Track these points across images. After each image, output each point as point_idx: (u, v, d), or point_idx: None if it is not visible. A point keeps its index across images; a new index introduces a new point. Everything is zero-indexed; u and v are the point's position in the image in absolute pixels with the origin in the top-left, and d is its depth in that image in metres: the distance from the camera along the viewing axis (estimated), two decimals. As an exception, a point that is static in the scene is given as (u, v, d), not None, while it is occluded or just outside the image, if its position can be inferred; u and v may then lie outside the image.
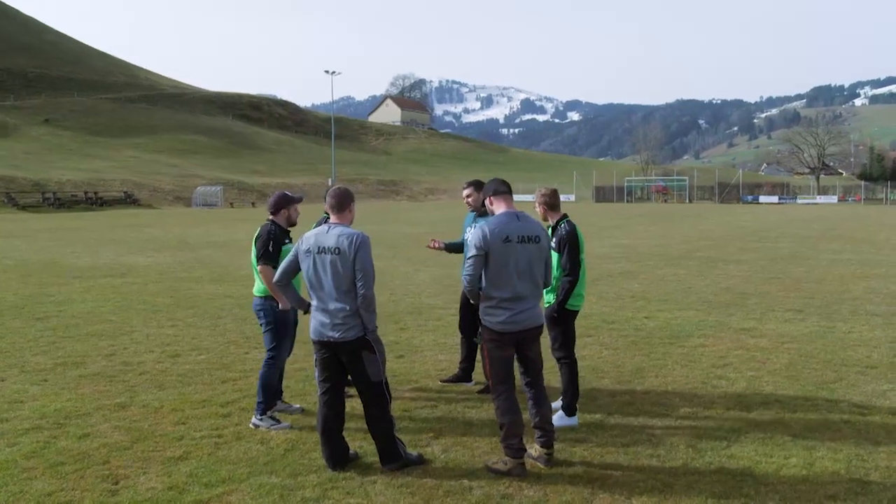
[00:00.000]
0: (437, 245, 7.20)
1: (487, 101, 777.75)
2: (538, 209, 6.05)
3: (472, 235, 5.05)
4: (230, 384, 7.29)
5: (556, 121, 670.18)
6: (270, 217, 6.29)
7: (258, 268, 6.06)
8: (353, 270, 4.92)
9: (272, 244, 6.03)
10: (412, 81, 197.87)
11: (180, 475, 4.98)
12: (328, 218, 6.82)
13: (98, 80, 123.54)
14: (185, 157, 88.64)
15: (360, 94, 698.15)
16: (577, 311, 6.03)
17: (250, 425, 5.94)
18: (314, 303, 5.07)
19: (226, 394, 6.95)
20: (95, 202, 58.59)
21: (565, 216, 5.92)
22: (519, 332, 5.00)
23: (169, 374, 7.68)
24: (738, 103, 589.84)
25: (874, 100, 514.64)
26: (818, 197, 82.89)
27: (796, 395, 6.78)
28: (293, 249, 5.25)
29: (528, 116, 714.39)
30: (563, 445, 5.39)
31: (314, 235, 5.07)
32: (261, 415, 5.95)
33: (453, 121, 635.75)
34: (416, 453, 5.21)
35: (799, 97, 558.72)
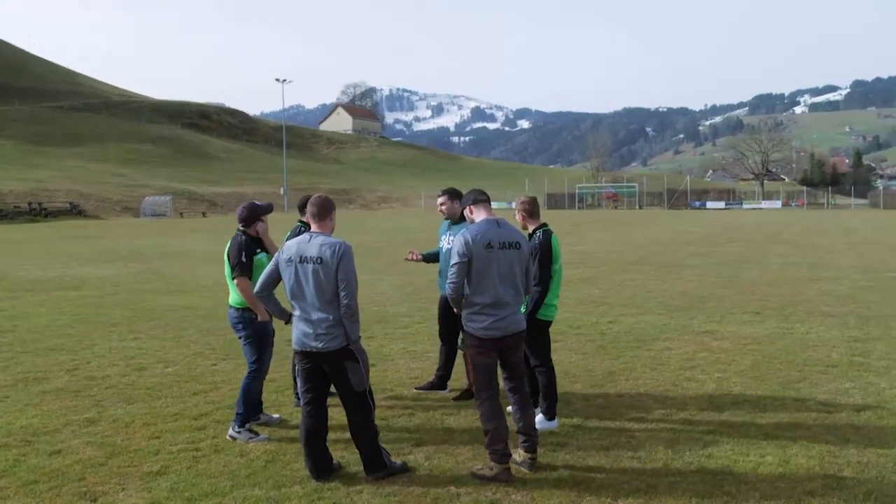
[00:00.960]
0: (415, 257, 7.24)
1: (438, 110, 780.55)
2: (517, 217, 6.10)
3: (455, 243, 5.07)
4: (201, 396, 7.17)
5: (507, 129, 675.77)
6: (241, 228, 6.19)
7: (234, 280, 5.97)
8: (336, 280, 4.89)
9: (244, 255, 5.96)
10: (363, 90, 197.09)
11: (161, 490, 4.88)
12: (302, 226, 6.82)
13: (40, 88, 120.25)
14: (133, 167, 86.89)
15: (310, 103, 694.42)
16: (550, 322, 6.09)
17: (228, 437, 5.85)
18: (296, 313, 5.03)
19: (198, 406, 6.83)
20: (40, 213, 57.04)
21: (544, 225, 5.98)
22: (502, 337, 5.04)
23: (137, 388, 7.51)
24: (684, 111, 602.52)
25: (813, 108, 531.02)
26: (763, 202, 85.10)
27: (764, 395, 6.95)
28: (274, 259, 5.19)
29: (478, 124, 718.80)
30: (546, 449, 5.44)
31: (296, 244, 5.03)
32: (239, 427, 5.86)
33: (404, 129, 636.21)
34: (400, 461, 5.20)
35: (742, 105, 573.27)
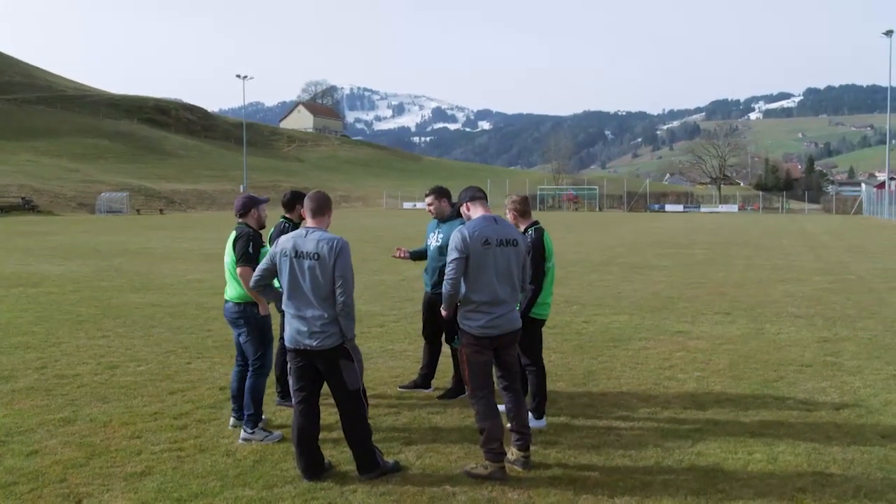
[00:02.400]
0: (402, 254, 7.19)
1: (399, 109, 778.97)
2: (508, 216, 6.07)
3: (452, 239, 5.01)
4: (179, 395, 7.00)
5: (468, 129, 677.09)
6: (240, 220, 6.04)
7: (238, 270, 5.76)
8: (333, 276, 4.81)
9: (251, 246, 5.80)
10: (324, 87, 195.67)
11: (147, 491, 4.74)
12: (286, 222, 6.70)
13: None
14: (88, 162, 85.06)
15: (270, 100, 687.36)
16: (543, 321, 6.08)
17: (240, 441, 5.66)
18: (290, 310, 4.92)
19: (177, 406, 6.67)
20: (-9, 208, 55.46)
21: (535, 223, 5.96)
22: (498, 336, 5.01)
23: (110, 387, 7.31)
24: (642, 115, 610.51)
25: (767, 114, 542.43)
26: (720, 206, 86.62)
27: (745, 394, 7.03)
28: (269, 253, 5.08)
29: (439, 125, 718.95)
30: (537, 448, 5.41)
31: (292, 239, 4.93)
32: (252, 428, 5.69)
33: (365, 128, 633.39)
34: (393, 461, 5.14)
35: (699, 110, 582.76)
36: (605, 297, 13.75)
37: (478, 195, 5.26)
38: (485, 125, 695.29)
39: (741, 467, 5.17)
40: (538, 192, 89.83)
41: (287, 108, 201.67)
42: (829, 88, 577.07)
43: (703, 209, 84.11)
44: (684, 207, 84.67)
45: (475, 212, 5.20)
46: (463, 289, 4.99)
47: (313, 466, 4.93)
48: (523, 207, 5.89)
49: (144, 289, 14.77)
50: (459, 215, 6.75)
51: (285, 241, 4.97)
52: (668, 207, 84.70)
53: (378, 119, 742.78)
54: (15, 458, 5.33)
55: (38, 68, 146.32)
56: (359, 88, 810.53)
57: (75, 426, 6.08)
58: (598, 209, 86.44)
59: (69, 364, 8.29)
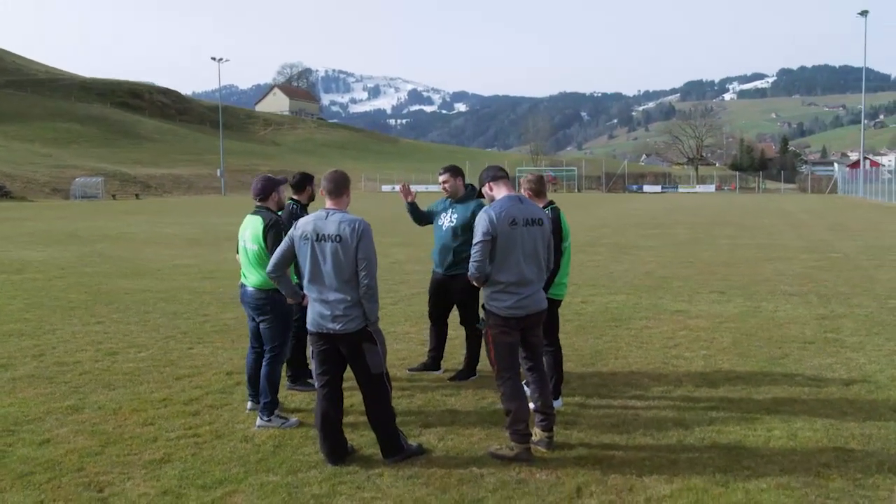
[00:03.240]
0: (410, 196, 6.87)
1: (375, 92, 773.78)
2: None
3: (479, 222, 4.95)
4: (186, 381, 6.90)
5: (444, 112, 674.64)
6: (260, 204, 5.88)
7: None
8: (356, 259, 4.72)
9: (284, 233, 5.65)
10: (300, 70, 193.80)
11: (169, 479, 4.66)
12: (294, 204, 6.60)
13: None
14: (61, 147, 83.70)
15: (244, 83, 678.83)
16: (560, 301, 6.05)
17: (256, 427, 5.57)
18: (313, 294, 4.83)
19: (185, 391, 6.57)
20: (-38, 194, 54.42)
21: (551, 203, 5.91)
22: (525, 316, 4.97)
23: (114, 374, 7.19)
24: (618, 96, 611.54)
25: (742, 94, 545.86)
26: (697, 186, 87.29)
27: (754, 372, 7.07)
28: (287, 236, 4.98)
29: (415, 107, 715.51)
30: (558, 428, 5.37)
31: (312, 221, 4.83)
32: (268, 416, 5.59)
33: (340, 111, 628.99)
34: (416, 444, 5.09)
35: (674, 91, 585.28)
36: (598, 277, 13.77)
37: (500, 175, 5.20)
38: (461, 107, 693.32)
39: (762, 444, 5.18)
40: (517, 174, 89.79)
41: (262, 91, 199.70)
42: (802, 69, 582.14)
43: (680, 189, 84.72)
44: (662, 188, 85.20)
45: (499, 192, 5.14)
46: (494, 270, 4.93)
47: (337, 451, 4.87)
48: (539, 187, 5.83)
49: (133, 274, 14.55)
50: (474, 195, 6.70)
51: (305, 223, 4.87)
52: (647, 188, 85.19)
53: (354, 101, 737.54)
54: (27, 448, 5.21)
55: (6, 51, 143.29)
56: (334, 71, 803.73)
57: (84, 414, 5.96)
58: (576, 190, 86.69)
59: (67, 351, 8.14)
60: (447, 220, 6.78)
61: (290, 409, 6.09)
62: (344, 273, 4.73)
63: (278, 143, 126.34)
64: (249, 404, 6.01)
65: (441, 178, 6.80)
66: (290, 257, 4.96)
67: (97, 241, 22.41)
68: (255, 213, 5.84)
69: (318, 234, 4.77)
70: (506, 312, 4.93)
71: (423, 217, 7.11)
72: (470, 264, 4.96)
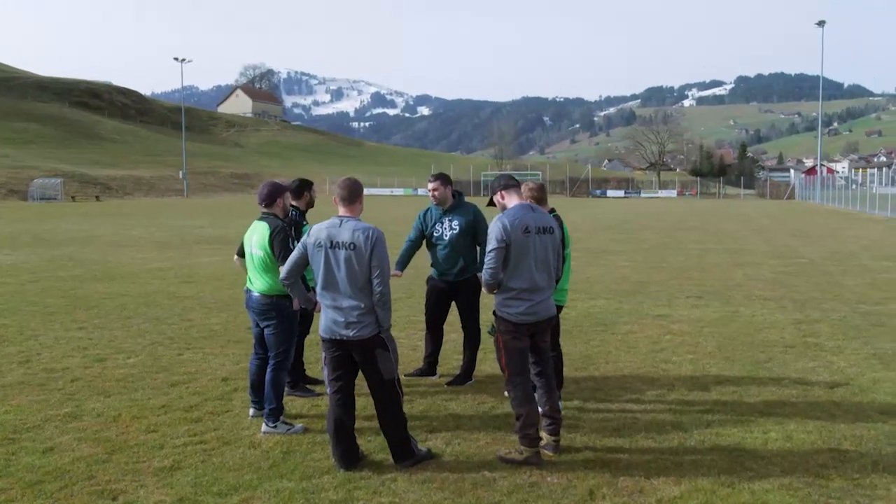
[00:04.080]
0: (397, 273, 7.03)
1: (337, 94, 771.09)
2: (526, 203, 6.10)
3: (492, 229, 5.05)
4: (182, 388, 6.86)
5: (407, 115, 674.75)
6: (266, 210, 5.89)
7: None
8: (369, 267, 4.78)
9: (291, 241, 5.67)
10: (262, 72, 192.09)
11: (183, 486, 4.65)
12: (295, 210, 6.62)
13: None
14: (18, 147, 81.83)
15: (204, 84, 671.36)
16: (562, 307, 6.16)
17: (262, 434, 5.57)
18: (326, 301, 4.87)
19: (183, 398, 6.53)
20: (-85, 195, 52.89)
21: (553, 210, 6.02)
22: (535, 322, 5.07)
23: (106, 380, 7.11)
24: (580, 102, 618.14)
25: (700, 101, 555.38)
26: (660, 191, 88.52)
27: (741, 376, 7.26)
28: (300, 244, 5.01)
29: (378, 110, 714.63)
30: (562, 432, 5.49)
31: (325, 229, 4.87)
32: (273, 422, 5.59)
33: (303, 113, 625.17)
34: (426, 448, 5.15)
35: (634, 97, 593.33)
36: (576, 282, 13.89)
37: (511, 183, 5.29)
38: (424, 111, 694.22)
39: (761, 446, 5.35)
40: (482, 178, 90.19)
41: (223, 93, 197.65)
42: (759, 77, 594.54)
43: (643, 194, 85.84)
44: (625, 193, 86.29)
45: (510, 200, 5.23)
46: (506, 277, 5.03)
47: (350, 456, 4.91)
48: (540, 195, 5.93)
49: (107, 278, 14.36)
50: (462, 202, 6.80)
51: (318, 231, 4.91)
52: (610, 193, 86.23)
53: (316, 104, 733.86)
54: (31, 456, 5.15)
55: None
56: (296, 73, 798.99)
57: (84, 421, 5.90)
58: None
59: (54, 357, 8.03)
60: (447, 228, 6.85)
61: (291, 415, 6.09)
62: (358, 280, 4.78)
63: (241, 145, 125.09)
64: (252, 411, 6.01)
65: (430, 186, 6.87)
66: (304, 264, 4.99)
67: (64, 244, 22.03)
68: (261, 219, 5.85)
69: (331, 242, 4.81)
70: (517, 318, 5.03)
71: (412, 253, 7.19)
72: (484, 271, 5.05)
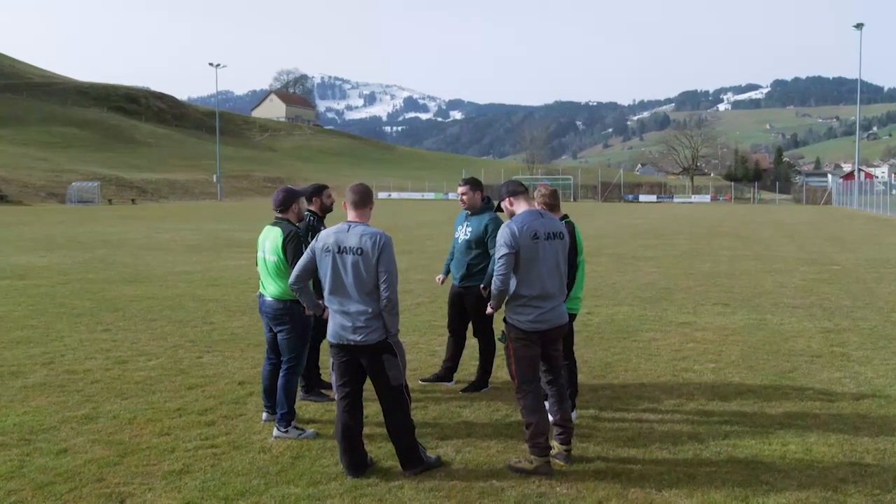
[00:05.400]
0: (442, 281, 7.36)
1: (370, 99, 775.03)
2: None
3: (501, 235, 5.00)
4: (198, 391, 6.90)
5: (439, 119, 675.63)
6: (280, 215, 5.90)
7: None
8: (377, 272, 4.75)
9: (304, 247, 5.68)
10: (296, 77, 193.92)
11: (190, 490, 4.66)
12: (312, 215, 6.63)
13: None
14: (57, 151, 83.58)
15: (239, 89, 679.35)
16: (575, 315, 6.07)
17: (273, 438, 5.58)
18: (334, 306, 4.86)
19: (199, 401, 6.57)
20: (-42, 198, 54.26)
21: (566, 216, 5.94)
22: (546, 330, 5.00)
23: (125, 382, 7.19)
24: (613, 106, 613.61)
25: (736, 105, 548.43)
26: (693, 196, 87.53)
27: (764, 385, 7.10)
28: (308, 249, 5.00)
29: (410, 114, 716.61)
30: (574, 441, 5.40)
31: (333, 234, 4.86)
32: (285, 427, 5.60)
33: (336, 117, 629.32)
34: (435, 456, 5.11)
35: (668, 101, 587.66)
36: (601, 287, 13.80)
37: (520, 190, 5.23)
38: (456, 115, 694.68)
39: (778, 458, 5.22)
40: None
41: (257, 97, 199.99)
42: (797, 80, 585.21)
43: (676, 199, 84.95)
44: (658, 198, 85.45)
45: (518, 206, 5.17)
46: (512, 284, 4.97)
47: (357, 463, 4.88)
48: (553, 201, 5.86)
49: (136, 281, 14.54)
50: (489, 208, 6.75)
51: (326, 236, 4.90)
52: (642, 198, 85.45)
53: (349, 108, 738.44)
54: (45, 458, 5.21)
55: (2, 55, 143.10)
56: (329, 77, 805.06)
57: (99, 423, 5.96)
58: (572, 199, 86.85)
59: (76, 359, 8.13)
60: (463, 232, 6.83)
61: (304, 419, 6.09)
62: (365, 285, 4.76)
63: (275, 150, 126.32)
64: (265, 415, 6.02)
65: (460, 190, 6.85)
66: (312, 269, 4.98)
67: (98, 246, 22.38)
68: (274, 224, 5.86)
69: (339, 247, 4.80)
70: (528, 326, 4.96)
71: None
72: (494, 278, 5.00)
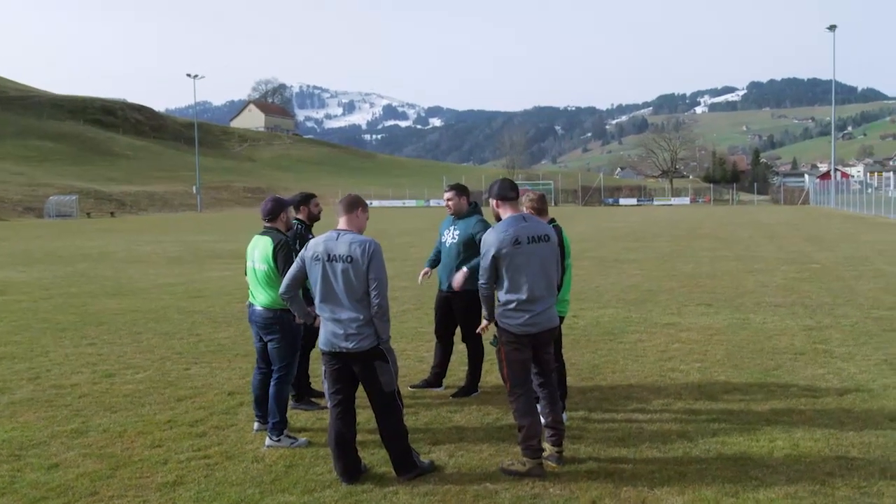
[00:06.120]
0: (427, 274, 7.32)
1: (350, 107, 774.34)
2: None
3: (484, 242, 5.07)
4: (188, 402, 6.88)
5: (419, 127, 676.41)
6: (269, 225, 5.92)
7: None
8: (367, 279, 4.79)
9: (295, 255, 5.69)
10: (274, 86, 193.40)
11: (186, 501, 4.66)
12: (300, 223, 6.65)
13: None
14: (33, 165, 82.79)
15: (217, 99, 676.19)
16: (563, 317, 6.12)
17: (265, 448, 5.58)
18: (325, 314, 4.89)
19: (189, 413, 6.55)
20: (-67, 214, 53.54)
21: (553, 220, 6.01)
22: (537, 333, 5.05)
23: (113, 396, 7.15)
24: (591, 110, 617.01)
25: (713, 108, 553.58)
26: (672, 199, 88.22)
27: (749, 383, 7.20)
28: (298, 257, 5.03)
29: (390, 122, 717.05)
30: (565, 443, 5.44)
31: (323, 242, 4.89)
32: (277, 436, 5.61)
33: (315, 126, 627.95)
34: (428, 461, 5.14)
35: (646, 105, 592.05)
36: (585, 290, 13.90)
37: (508, 196, 5.25)
38: (436, 122, 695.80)
39: (766, 454, 5.30)
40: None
41: (236, 108, 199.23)
42: (772, 82, 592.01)
43: (656, 202, 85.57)
44: (638, 201, 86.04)
45: (504, 212, 5.23)
46: (504, 289, 5.02)
47: (352, 469, 4.91)
48: (540, 205, 5.92)
49: (119, 294, 14.45)
50: (476, 212, 6.81)
51: (315, 244, 4.93)
52: (623, 201, 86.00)
53: (328, 117, 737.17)
54: (36, 473, 5.18)
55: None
56: (308, 86, 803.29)
57: (89, 437, 5.93)
58: (553, 204, 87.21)
59: (63, 374, 8.08)
60: (450, 237, 6.87)
61: (295, 428, 6.10)
62: (356, 292, 4.79)
63: (254, 160, 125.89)
64: (256, 425, 6.02)
65: (447, 196, 6.90)
66: (302, 278, 5.01)
67: (78, 260, 22.21)
68: (263, 233, 5.88)
69: (329, 255, 4.83)
70: (518, 330, 5.01)
71: (439, 259, 7.26)
72: (479, 285, 5.09)
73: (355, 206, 5.02)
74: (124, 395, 7.16)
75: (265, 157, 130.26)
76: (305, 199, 6.94)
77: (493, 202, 5.37)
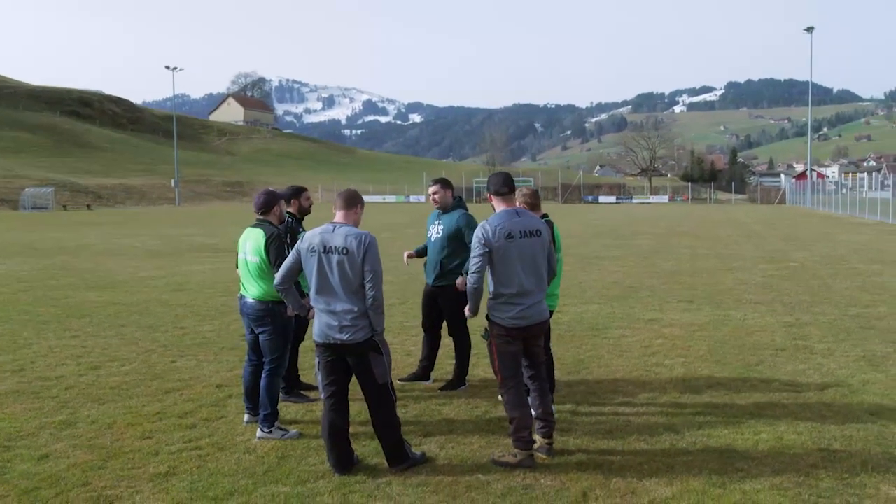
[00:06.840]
0: (410, 255, 7.31)
1: (329, 102, 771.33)
2: (519, 209, 6.15)
3: (475, 235, 5.11)
4: (176, 395, 6.88)
5: (399, 122, 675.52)
6: (261, 217, 5.93)
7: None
8: (362, 271, 4.83)
9: (287, 248, 5.71)
10: (254, 80, 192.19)
11: (179, 491, 4.68)
12: (291, 216, 6.67)
13: None
14: (8, 157, 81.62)
15: (196, 92, 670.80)
16: (552, 311, 6.19)
17: (257, 439, 5.60)
18: (320, 305, 4.92)
19: (178, 405, 6.55)
20: None
21: (545, 216, 6.07)
22: (527, 326, 5.11)
23: (100, 388, 7.13)
24: (571, 108, 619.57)
25: (691, 107, 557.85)
26: (651, 197, 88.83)
27: (732, 378, 7.32)
28: (294, 250, 5.06)
29: (370, 118, 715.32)
30: (555, 435, 5.54)
31: (319, 234, 4.92)
32: (269, 427, 5.63)
33: (294, 121, 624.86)
34: (420, 452, 5.19)
35: (625, 103, 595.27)
36: (568, 287, 13.96)
37: (502, 191, 5.30)
38: (416, 118, 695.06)
39: (751, 447, 5.41)
40: (474, 185, 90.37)
41: (215, 101, 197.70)
42: (749, 82, 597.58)
43: (635, 200, 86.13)
44: (617, 198, 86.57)
45: (498, 205, 5.28)
46: (495, 282, 5.08)
47: (345, 460, 4.95)
48: (534, 201, 5.99)
49: (99, 287, 14.34)
50: (461, 206, 6.86)
51: (311, 236, 4.96)
52: (602, 199, 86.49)
53: (308, 112, 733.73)
54: (27, 463, 5.17)
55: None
56: (287, 80, 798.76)
57: (78, 429, 5.92)
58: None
59: (48, 366, 8.03)
60: (435, 231, 6.92)
61: (286, 420, 6.12)
62: (351, 284, 4.83)
63: (233, 153, 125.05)
64: (246, 417, 6.04)
65: (431, 190, 6.94)
66: (297, 270, 5.04)
67: (56, 253, 21.99)
68: (256, 225, 5.89)
69: (325, 247, 4.86)
70: (509, 323, 5.08)
71: (425, 250, 7.26)
72: (468, 277, 5.13)
73: (354, 202, 5.05)
74: (111, 388, 7.14)
75: (244, 151, 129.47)
76: (296, 193, 6.96)
77: (489, 196, 5.42)
